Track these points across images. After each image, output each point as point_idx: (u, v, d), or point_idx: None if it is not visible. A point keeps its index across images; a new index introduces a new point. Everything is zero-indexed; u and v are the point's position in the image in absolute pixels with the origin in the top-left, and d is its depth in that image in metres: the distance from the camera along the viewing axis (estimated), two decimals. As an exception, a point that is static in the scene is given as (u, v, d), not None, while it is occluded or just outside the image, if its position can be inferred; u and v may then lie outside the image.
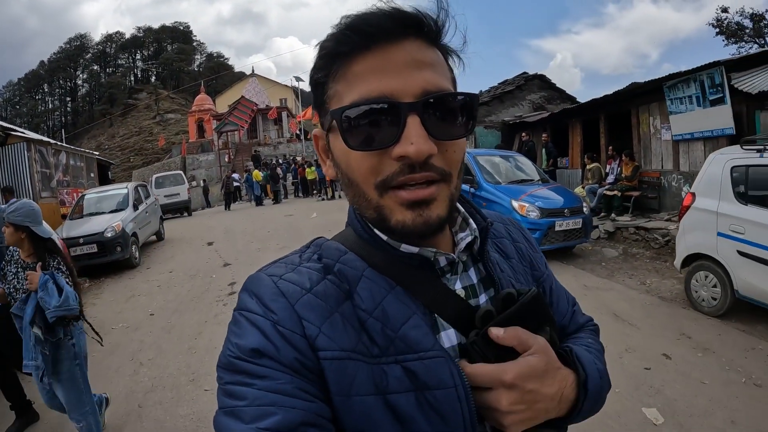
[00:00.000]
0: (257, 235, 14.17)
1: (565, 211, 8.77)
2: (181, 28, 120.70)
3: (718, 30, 31.71)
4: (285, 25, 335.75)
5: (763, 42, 30.45)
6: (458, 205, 0.94)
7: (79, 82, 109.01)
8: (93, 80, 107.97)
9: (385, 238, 0.86)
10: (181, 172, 27.02)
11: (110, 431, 4.41)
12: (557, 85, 19.49)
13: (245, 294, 0.81)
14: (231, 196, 25.60)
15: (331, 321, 0.77)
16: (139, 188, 13.91)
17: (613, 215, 11.04)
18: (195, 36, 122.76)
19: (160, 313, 7.69)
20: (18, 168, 13.24)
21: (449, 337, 0.85)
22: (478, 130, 18.72)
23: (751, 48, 29.29)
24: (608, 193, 11.28)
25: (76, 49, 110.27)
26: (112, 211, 11.80)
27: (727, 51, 30.99)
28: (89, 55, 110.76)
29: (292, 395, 0.70)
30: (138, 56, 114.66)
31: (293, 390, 0.71)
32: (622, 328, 5.95)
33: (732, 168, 6.11)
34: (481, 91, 23.98)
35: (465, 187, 7.00)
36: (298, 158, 32.16)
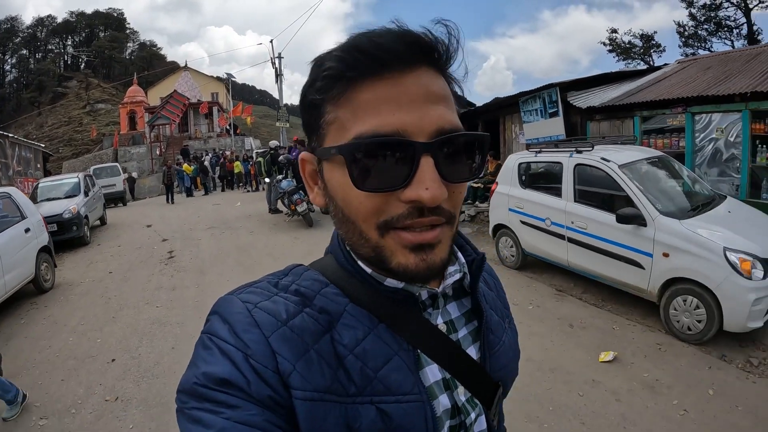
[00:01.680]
0: (189, 220, 16.64)
1: None
2: (115, 14, 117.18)
3: (610, 48, 35.50)
4: (220, 14, 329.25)
5: (649, 60, 34.31)
6: None
7: (7, 67, 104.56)
8: (22, 66, 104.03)
9: (369, 271, 0.84)
10: (117, 164, 28.48)
11: (97, 327, 7.05)
12: (458, 93, 22.50)
13: (216, 318, 0.77)
14: (172, 187, 25.05)
15: (306, 358, 0.74)
16: (87, 177, 16.18)
17: (477, 203, 13.67)
18: (129, 24, 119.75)
19: (117, 270, 10.27)
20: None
21: (432, 372, 0.85)
22: None
23: (638, 64, 33.02)
24: (474, 185, 13.80)
25: (6, 32, 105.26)
26: (67, 197, 13.96)
27: (618, 66, 34.67)
28: (19, 39, 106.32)
29: (262, 428, 0.68)
30: (69, 42, 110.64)
31: (263, 423, 0.69)
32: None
33: (519, 164, 8.55)
34: None
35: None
36: (227, 152, 34.34)
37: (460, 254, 0.95)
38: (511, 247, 8.91)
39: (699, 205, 6.42)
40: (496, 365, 0.94)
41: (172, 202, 23.51)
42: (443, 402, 0.85)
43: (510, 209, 8.73)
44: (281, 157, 14.95)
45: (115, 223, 17.32)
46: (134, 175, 34.29)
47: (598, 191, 6.96)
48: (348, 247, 0.87)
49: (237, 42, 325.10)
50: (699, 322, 5.48)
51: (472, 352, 0.92)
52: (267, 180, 16.36)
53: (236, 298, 0.80)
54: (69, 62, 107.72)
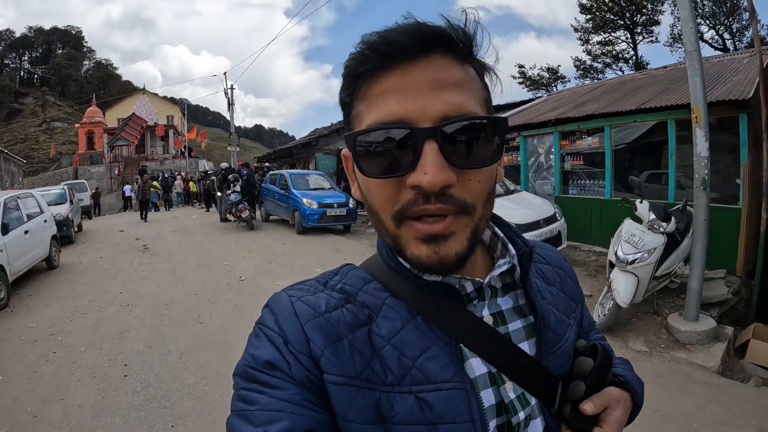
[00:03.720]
0: (154, 227, 20.44)
1: (334, 204, 15.68)
2: (73, 32, 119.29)
3: (520, 80, 39.92)
4: (175, 33, 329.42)
5: (552, 89, 38.59)
6: (497, 230, 0.97)
7: None
8: None
9: (408, 266, 0.87)
10: (84, 181, 32.03)
11: (103, 283, 10.83)
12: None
13: (266, 310, 0.87)
14: (147, 204, 25.29)
15: (335, 346, 0.80)
16: (69, 189, 19.93)
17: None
18: (86, 42, 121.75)
19: (106, 256, 14.08)
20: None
21: (476, 365, 0.85)
22: (318, 155, 26.24)
23: (543, 94, 37.62)
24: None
25: None
26: (56, 204, 17.24)
27: (527, 95, 38.23)
28: None
29: (301, 405, 0.75)
30: (26, 57, 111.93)
31: (302, 401, 0.75)
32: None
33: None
34: (332, 123, 31.89)
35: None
36: (182, 173, 38.15)
37: (510, 247, 0.94)
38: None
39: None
40: (557, 365, 0.92)
41: (146, 220, 23.51)
42: (487, 397, 0.84)
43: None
44: (230, 175, 18.93)
45: (90, 230, 20.99)
46: (99, 189, 37.21)
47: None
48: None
49: (191, 62, 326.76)
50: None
51: (525, 347, 0.90)
52: (219, 194, 20.40)
53: (285, 293, 0.89)
54: (25, 78, 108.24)
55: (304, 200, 15.80)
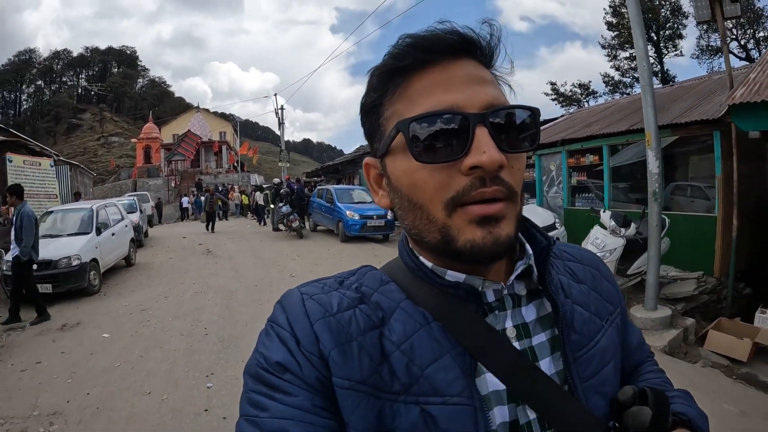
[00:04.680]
0: (213, 234, 22.98)
1: (374, 215, 17.66)
2: (128, 52, 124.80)
3: (553, 97, 40.60)
4: (224, 50, 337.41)
5: (584, 104, 38.67)
6: None
7: (24, 96, 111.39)
8: (37, 96, 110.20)
9: (430, 265, 0.87)
10: (147, 193, 34.66)
11: (177, 276, 13.06)
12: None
13: (278, 307, 0.88)
14: (214, 215, 25.50)
15: (343, 348, 0.79)
16: (137, 199, 22.66)
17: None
18: (140, 61, 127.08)
19: (175, 257, 16.47)
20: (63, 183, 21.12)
21: (492, 380, 0.83)
22: (361, 171, 28.79)
23: (574, 110, 37.89)
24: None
25: (23, 63, 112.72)
26: (128, 212, 18.98)
27: (560, 111, 38.22)
28: (35, 70, 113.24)
29: (311, 412, 0.76)
30: (83, 75, 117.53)
31: (312, 407, 0.76)
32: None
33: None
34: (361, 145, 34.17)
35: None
36: (236, 187, 40.84)
37: (528, 246, 0.93)
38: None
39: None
40: (587, 372, 0.89)
41: (212, 231, 24.17)
42: (500, 414, 0.82)
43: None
44: (282, 190, 21.26)
45: (155, 236, 23.50)
46: (161, 200, 39.78)
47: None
48: (412, 240, 0.91)
49: (240, 78, 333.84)
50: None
51: (549, 363, 0.88)
52: (272, 206, 22.86)
53: (297, 290, 0.89)
54: (83, 95, 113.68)
55: (347, 212, 17.88)
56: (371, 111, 0.87)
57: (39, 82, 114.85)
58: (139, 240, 18.70)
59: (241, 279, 12.28)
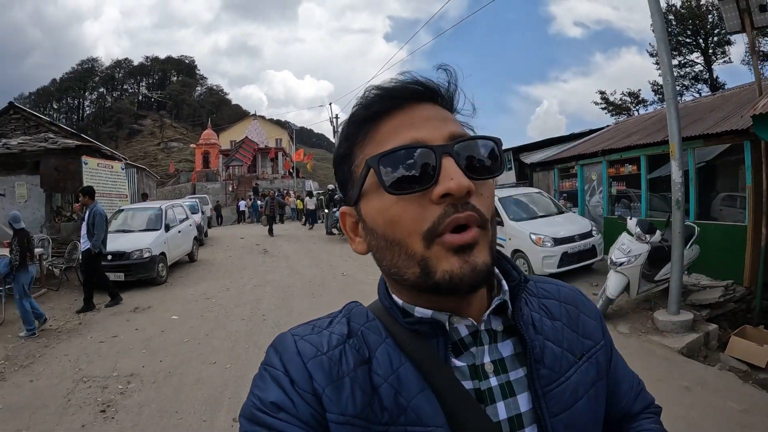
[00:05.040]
0: (269, 236, 23.86)
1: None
2: (186, 61, 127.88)
3: (603, 106, 40.85)
4: (279, 58, 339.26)
5: (634, 112, 38.68)
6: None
7: (87, 102, 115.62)
8: (99, 102, 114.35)
9: (400, 303, 0.92)
10: (206, 196, 35.89)
11: (236, 271, 14.02)
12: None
13: (271, 350, 0.92)
14: (273, 219, 25.64)
15: (336, 385, 0.84)
16: (199, 200, 24.17)
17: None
18: (198, 70, 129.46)
19: (234, 255, 17.65)
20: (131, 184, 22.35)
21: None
22: None
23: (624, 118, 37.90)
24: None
25: (86, 71, 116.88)
26: (192, 213, 20.36)
27: (611, 120, 37.73)
28: (97, 78, 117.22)
29: None
30: (143, 83, 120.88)
31: None
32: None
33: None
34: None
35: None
36: (292, 192, 41.86)
37: (504, 282, 0.96)
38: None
39: (537, 215, 12.06)
40: (556, 408, 0.91)
41: (272, 234, 24.17)
42: None
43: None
44: (336, 195, 22.19)
45: (214, 236, 24.75)
46: (220, 203, 40.96)
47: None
48: (390, 280, 0.95)
49: (295, 85, 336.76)
50: (526, 270, 7.35)
51: (527, 398, 0.90)
52: (326, 211, 23.89)
53: (289, 332, 0.94)
54: (143, 101, 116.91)
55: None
56: (344, 160, 0.93)
57: (101, 89, 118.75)
58: (200, 239, 19.78)
59: (296, 275, 13.13)
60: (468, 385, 0.87)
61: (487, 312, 0.90)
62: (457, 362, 0.88)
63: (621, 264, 8.33)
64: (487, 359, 0.89)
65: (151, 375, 6.39)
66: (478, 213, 0.80)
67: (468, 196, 0.79)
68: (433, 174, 0.79)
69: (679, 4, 36.05)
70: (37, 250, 10.50)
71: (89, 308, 9.97)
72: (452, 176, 0.78)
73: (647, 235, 8.49)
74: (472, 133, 0.90)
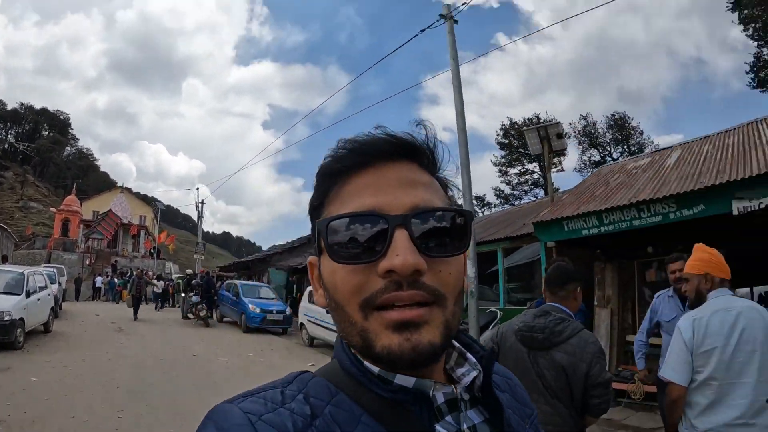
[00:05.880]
0: (125, 315, 24.17)
1: (274, 310, 20.92)
2: (61, 117, 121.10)
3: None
4: (155, 130, 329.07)
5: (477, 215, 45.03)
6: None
7: None
8: None
9: (376, 370, 0.82)
10: (63, 266, 35.22)
11: (90, 345, 15.06)
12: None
13: (212, 427, 0.74)
14: (140, 301, 24.80)
15: None
16: (56, 271, 24.43)
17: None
18: (71, 129, 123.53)
19: (89, 330, 18.39)
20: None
21: None
22: (271, 270, 31.76)
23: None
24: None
25: None
26: (52, 283, 20.24)
27: None
28: None
29: None
30: (12, 131, 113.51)
31: None
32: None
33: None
34: (287, 241, 37.90)
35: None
36: (150, 273, 41.29)
37: (469, 355, 0.92)
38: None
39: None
40: None
41: (136, 319, 23.04)
42: None
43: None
44: (193, 281, 23.82)
45: (69, 310, 24.86)
46: (80, 276, 40.60)
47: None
48: (350, 346, 0.85)
49: (167, 161, 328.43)
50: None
51: None
52: (183, 295, 25.20)
53: (237, 407, 0.76)
54: (9, 150, 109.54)
55: (250, 306, 20.88)
56: (314, 211, 0.89)
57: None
58: (56, 310, 19.88)
59: (149, 353, 14.39)
60: None
61: (467, 381, 0.88)
62: (442, 430, 0.82)
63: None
64: (464, 426, 0.85)
65: (17, 423, 7.53)
66: (428, 291, 0.76)
67: (417, 275, 0.75)
68: (383, 246, 0.76)
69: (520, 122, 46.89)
70: None
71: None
72: (399, 252, 0.74)
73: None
74: (459, 193, 0.97)
